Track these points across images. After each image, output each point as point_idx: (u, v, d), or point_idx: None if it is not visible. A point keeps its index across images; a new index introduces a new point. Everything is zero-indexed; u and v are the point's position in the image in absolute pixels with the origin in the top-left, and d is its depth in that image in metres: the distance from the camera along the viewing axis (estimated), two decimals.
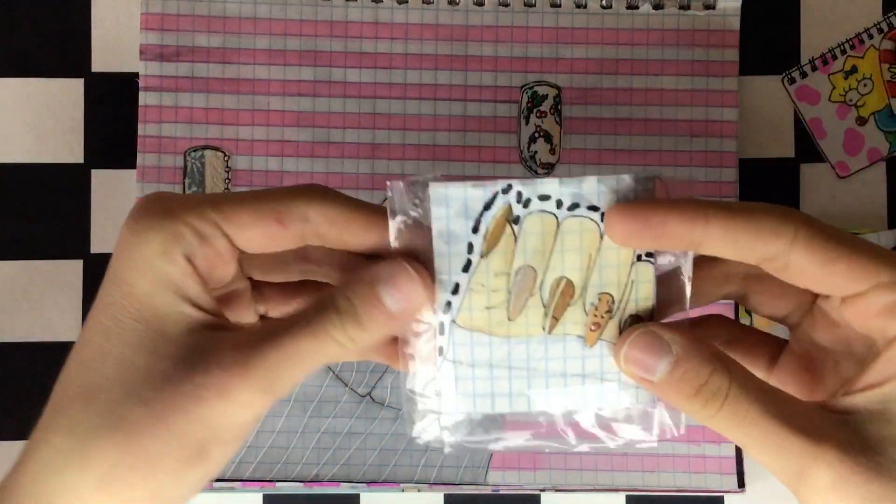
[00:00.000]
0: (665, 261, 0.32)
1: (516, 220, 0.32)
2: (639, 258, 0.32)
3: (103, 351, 0.29)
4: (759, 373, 0.34)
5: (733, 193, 0.41)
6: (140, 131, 0.41)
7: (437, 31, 0.41)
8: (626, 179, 0.31)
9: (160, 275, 0.29)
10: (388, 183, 0.32)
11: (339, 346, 0.29)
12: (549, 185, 0.31)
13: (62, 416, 0.29)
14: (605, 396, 0.33)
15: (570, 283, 0.32)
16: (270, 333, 0.29)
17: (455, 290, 0.32)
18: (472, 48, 0.41)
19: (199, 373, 0.28)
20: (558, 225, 0.32)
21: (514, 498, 0.42)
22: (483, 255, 0.32)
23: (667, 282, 0.32)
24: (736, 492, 0.41)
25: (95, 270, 0.42)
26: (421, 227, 0.32)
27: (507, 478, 0.41)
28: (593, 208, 0.32)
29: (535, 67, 0.41)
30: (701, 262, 0.32)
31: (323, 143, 0.41)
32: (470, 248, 0.32)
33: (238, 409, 0.28)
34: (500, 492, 0.41)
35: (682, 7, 0.41)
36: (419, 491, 0.41)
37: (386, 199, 0.39)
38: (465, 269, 0.32)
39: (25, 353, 0.41)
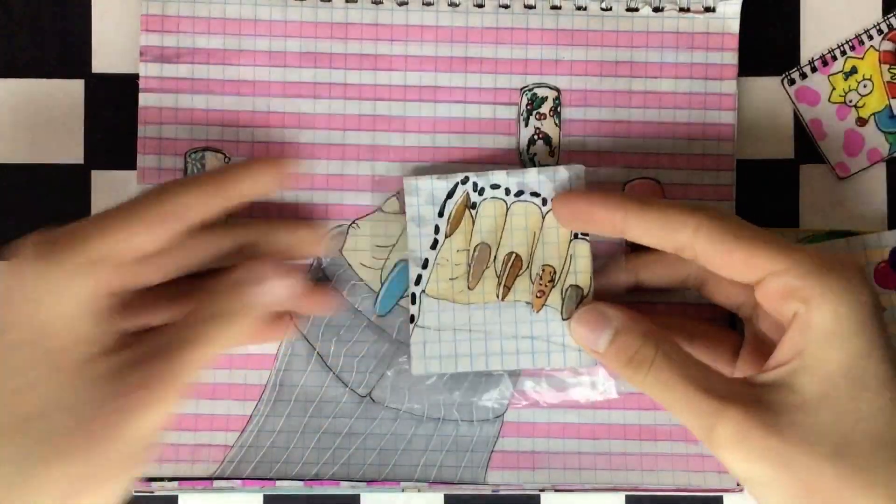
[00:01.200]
0: (607, 246, 0.39)
1: (473, 206, 0.39)
2: (576, 236, 0.39)
3: (21, 384, 0.31)
4: (725, 366, 0.38)
5: (730, 196, 0.41)
6: (140, 132, 0.41)
7: (437, 33, 0.41)
8: (561, 170, 0.39)
9: (64, 310, 0.32)
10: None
11: (223, 345, 0.34)
12: (499, 176, 0.39)
13: (2, 448, 0.31)
14: (552, 358, 0.39)
15: (518, 257, 0.39)
16: (161, 350, 0.33)
17: (424, 265, 0.39)
18: (472, 50, 0.41)
19: (117, 394, 0.31)
20: (507, 208, 0.39)
21: (514, 498, 0.42)
22: (447, 236, 0.39)
23: (612, 264, 0.39)
24: (735, 490, 0.41)
25: None
26: None
27: (507, 477, 0.41)
28: (535, 194, 0.39)
29: (534, 69, 0.41)
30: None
31: (323, 145, 0.41)
32: (436, 229, 0.39)
33: (157, 415, 0.32)
34: (500, 492, 0.41)
35: (681, 10, 0.41)
36: (419, 491, 0.41)
37: (388, 200, 0.40)
38: (433, 246, 0.39)
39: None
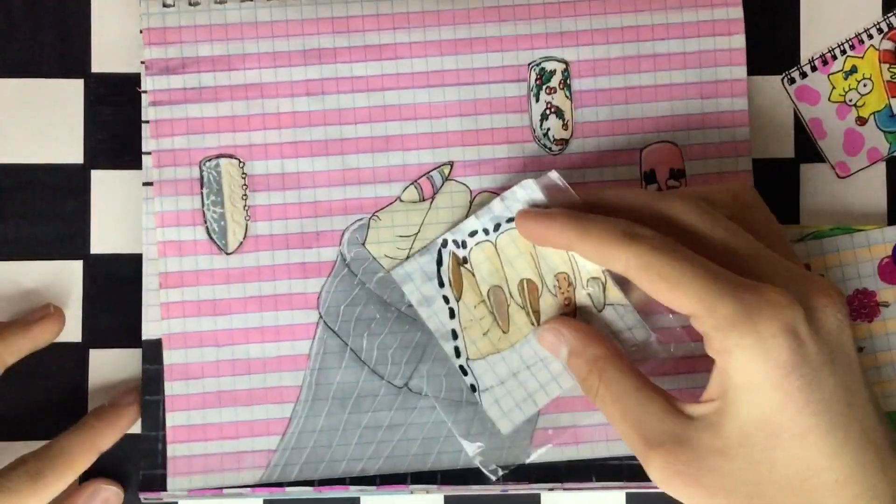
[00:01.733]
0: None
1: (465, 261, 0.39)
2: None
3: None
4: None
5: (747, 151, 0.41)
6: (154, 146, 0.41)
7: (440, 17, 0.41)
8: (517, 190, 0.38)
9: None
10: None
11: None
12: (470, 223, 0.39)
13: None
14: None
15: (530, 281, 0.39)
16: None
17: (455, 336, 0.39)
18: (476, 30, 0.41)
19: None
20: (495, 246, 0.39)
21: (515, 498, 0.42)
22: (458, 299, 0.39)
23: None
24: None
25: (95, 271, 0.42)
26: None
27: (551, 454, 0.41)
28: (511, 220, 0.39)
29: (540, 43, 0.41)
30: None
31: (336, 141, 0.41)
32: (446, 300, 0.39)
33: None
34: (509, 492, 0.41)
35: None
36: (427, 493, 0.41)
37: (406, 189, 0.40)
38: (452, 316, 0.39)
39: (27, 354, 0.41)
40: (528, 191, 0.38)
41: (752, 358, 0.32)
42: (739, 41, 0.41)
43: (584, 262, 0.38)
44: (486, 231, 0.39)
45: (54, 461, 0.39)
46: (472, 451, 0.40)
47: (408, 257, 0.40)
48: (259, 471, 0.41)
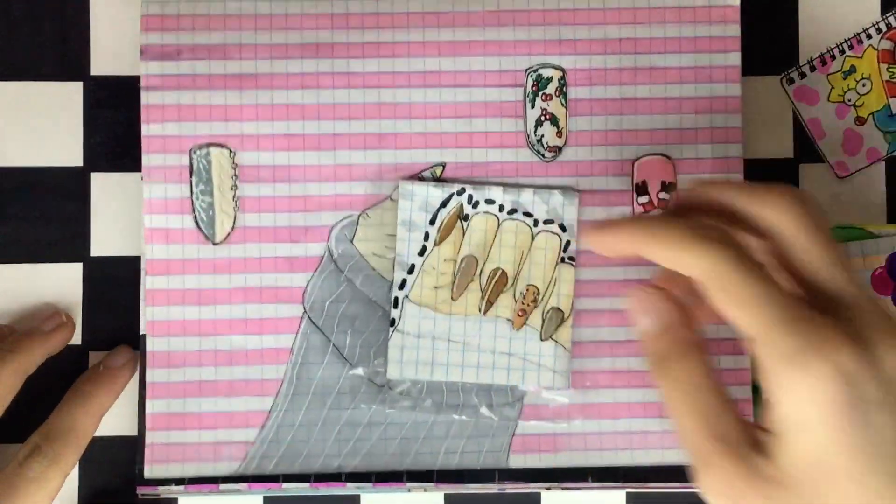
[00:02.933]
0: None
1: (466, 218, 0.39)
2: (562, 260, 0.40)
3: None
4: None
5: (739, 168, 0.41)
6: (144, 131, 0.41)
7: (439, 18, 0.41)
8: (556, 194, 0.40)
9: None
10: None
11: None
12: (495, 192, 0.40)
13: None
14: (526, 376, 0.40)
15: (504, 274, 0.39)
16: None
17: (410, 271, 0.39)
18: (475, 33, 0.41)
19: None
20: (499, 225, 0.39)
21: (515, 497, 0.42)
22: (436, 244, 0.39)
23: None
24: None
25: (95, 273, 0.42)
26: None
27: (529, 460, 0.41)
28: (528, 214, 0.40)
29: (538, 50, 0.41)
30: None
31: (329, 136, 0.41)
32: (426, 236, 0.39)
33: None
34: (507, 490, 0.41)
35: None
36: (425, 491, 0.41)
37: (397, 188, 0.40)
38: (421, 253, 0.39)
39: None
40: (566, 198, 0.39)
41: (805, 397, 0.30)
42: (735, 58, 0.41)
43: (561, 290, 0.39)
44: (501, 207, 0.40)
45: (67, 439, 0.39)
46: None
47: (421, 178, 0.40)
48: (236, 462, 0.40)
